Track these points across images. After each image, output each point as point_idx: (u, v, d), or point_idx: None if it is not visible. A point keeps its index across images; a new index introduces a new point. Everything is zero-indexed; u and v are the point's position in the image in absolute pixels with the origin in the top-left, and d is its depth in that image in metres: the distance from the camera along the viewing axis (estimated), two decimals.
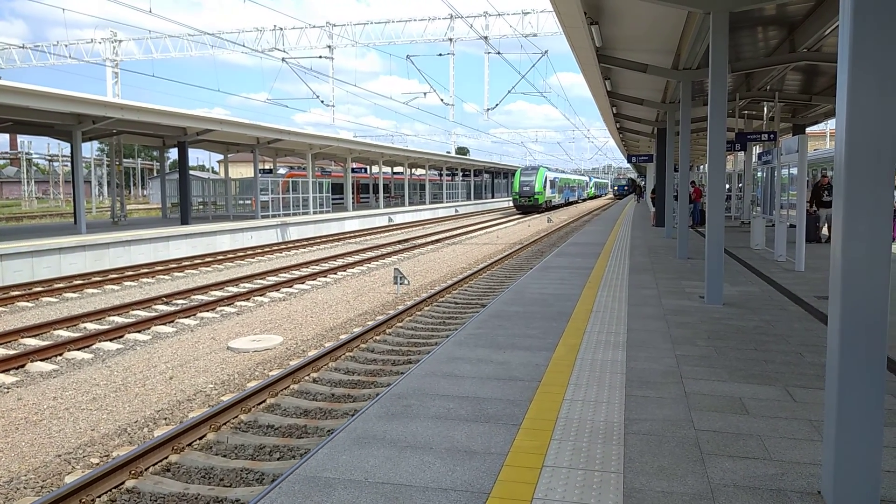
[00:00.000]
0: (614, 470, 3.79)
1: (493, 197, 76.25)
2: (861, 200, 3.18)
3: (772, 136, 20.42)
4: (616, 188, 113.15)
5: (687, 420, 4.56)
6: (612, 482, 3.64)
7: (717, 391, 5.18)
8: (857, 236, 3.19)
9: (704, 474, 3.72)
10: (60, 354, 9.82)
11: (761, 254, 14.98)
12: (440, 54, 41.33)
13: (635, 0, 9.67)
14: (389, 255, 22.75)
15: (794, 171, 12.71)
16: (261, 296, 14.69)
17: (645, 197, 27.40)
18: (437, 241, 28.08)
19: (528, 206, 54.16)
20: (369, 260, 21.11)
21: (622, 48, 14.65)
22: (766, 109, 22.77)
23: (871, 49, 3.12)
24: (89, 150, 56.65)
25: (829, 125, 41.19)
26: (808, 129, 26.30)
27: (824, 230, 16.81)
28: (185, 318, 12.34)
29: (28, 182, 68.40)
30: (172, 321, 12.04)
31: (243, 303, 13.89)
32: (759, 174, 19.07)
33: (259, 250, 24.32)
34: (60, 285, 15.85)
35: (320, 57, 38.77)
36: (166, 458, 6.13)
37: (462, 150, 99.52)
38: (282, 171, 44.40)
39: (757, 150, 25.30)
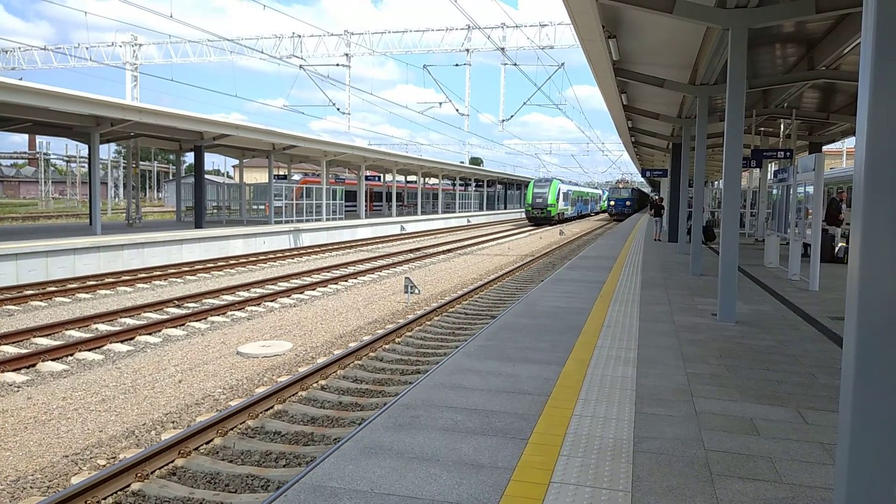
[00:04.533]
0: (622, 488, 3.74)
1: (505, 208, 76.22)
2: (880, 220, 3.13)
3: (788, 153, 20.29)
4: (613, 203, 66.81)
5: (697, 439, 4.51)
6: (620, 501, 3.59)
7: (727, 411, 5.12)
8: (875, 256, 3.13)
9: (714, 495, 3.67)
10: (71, 355, 9.87)
11: (775, 272, 14.86)
12: (457, 65, 41.47)
13: (654, 15, 9.65)
14: (401, 263, 22.76)
15: (811, 189, 12.61)
16: (272, 301, 14.71)
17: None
18: (449, 250, 28.06)
19: (540, 217, 54.12)
20: (380, 268, 21.12)
21: (639, 62, 14.63)
22: (782, 126, 22.64)
23: (893, 66, 3.08)
24: (106, 151, 57.20)
25: (847, 143, 40.91)
26: (824, 148, 26.13)
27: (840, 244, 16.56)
28: (196, 321, 12.38)
29: (45, 182, 69.08)
30: (183, 324, 12.08)
31: (254, 308, 13.92)
32: (775, 192, 18.93)
33: (271, 256, 24.40)
34: (74, 286, 15.96)
35: (337, 65, 39.07)
36: (172, 461, 6.13)
37: (476, 161, 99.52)
38: (296, 177, 44.57)
39: (773, 167, 25.16)
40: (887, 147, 3.12)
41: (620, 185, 73.82)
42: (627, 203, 65.30)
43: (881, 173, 3.13)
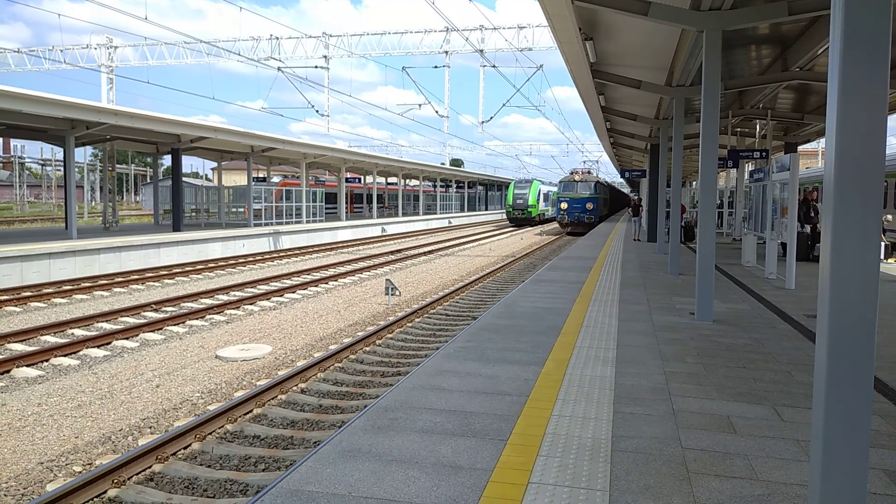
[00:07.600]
0: (600, 488, 3.76)
1: (486, 209, 76.32)
2: (850, 219, 3.18)
3: (764, 153, 20.53)
4: (565, 205, 42.10)
5: (674, 438, 4.54)
6: (598, 500, 3.61)
7: (705, 409, 5.17)
8: (845, 255, 3.18)
9: (691, 493, 3.70)
10: (47, 360, 9.73)
11: (752, 271, 15.02)
12: (436, 66, 41.45)
13: (630, 17, 9.72)
14: (381, 265, 22.71)
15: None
16: (251, 304, 14.61)
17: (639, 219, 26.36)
18: (430, 252, 28.05)
19: (521, 218, 54.29)
20: (361, 270, 21.06)
21: (616, 64, 14.73)
22: (758, 127, 22.90)
23: (861, 68, 3.13)
24: (83, 155, 56.50)
25: (821, 144, 41.46)
26: (799, 148, 26.47)
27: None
28: (174, 325, 12.26)
29: (20, 186, 68.10)
30: (161, 328, 11.96)
31: (233, 311, 13.82)
32: (751, 193, 19.14)
33: (251, 258, 24.24)
34: (49, 290, 15.75)
35: (316, 67, 38.90)
36: (150, 467, 6.07)
37: (456, 162, 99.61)
38: (276, 179, 44.31)
39: (749, 167, 25.45)
40: (856, 147, 3.17)
41: (576, 178, 42.96)
42: (588, 206, 41.40)
43: (850, 173, 3.18)
